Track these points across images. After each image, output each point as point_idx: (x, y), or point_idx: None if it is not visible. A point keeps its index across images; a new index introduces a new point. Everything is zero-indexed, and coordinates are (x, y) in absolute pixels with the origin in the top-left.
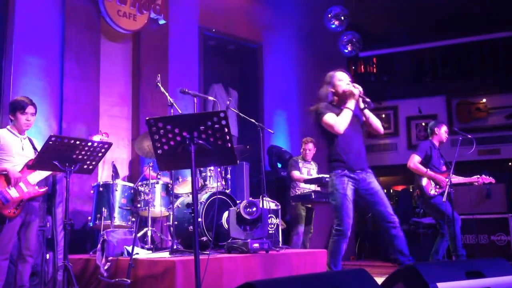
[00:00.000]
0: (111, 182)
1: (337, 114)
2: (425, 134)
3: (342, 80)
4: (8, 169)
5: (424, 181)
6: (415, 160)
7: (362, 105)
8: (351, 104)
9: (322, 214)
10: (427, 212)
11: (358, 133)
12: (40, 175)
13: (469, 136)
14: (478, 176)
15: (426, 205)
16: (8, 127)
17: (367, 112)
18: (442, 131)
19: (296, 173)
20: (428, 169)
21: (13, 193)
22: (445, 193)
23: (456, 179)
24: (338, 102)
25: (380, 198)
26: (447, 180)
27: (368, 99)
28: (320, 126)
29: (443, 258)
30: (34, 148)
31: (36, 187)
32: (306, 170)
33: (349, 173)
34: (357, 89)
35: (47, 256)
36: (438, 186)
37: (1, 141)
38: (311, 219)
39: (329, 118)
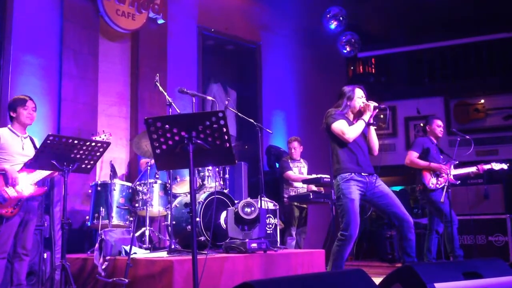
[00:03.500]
0: (109, 182)
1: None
2: (423, 134)
3: (361, 98)
4: (6, 169)
5: (427, 177)
6: (412, 157)
7: (371, 120)
8: (366, 117)
9: (319, 214)
10: (427, 207)
11: (364, 141)
12: (40, 174)
13: (467, 137)
14: (477, 166)
15: (427, 200)
16: (9, 126)
17: (372, 129)
18: (434, 126)
19: (291, 173)
20: (430, 162)
21: (11, 192)
22: (444, 193)
23: (457, 171)
24: (353, 116)
25: (391, 199)
26: (448, 171)
27: (383, 106)
28: (327, 130)
29: (437, 255)
30: (35, 148)
31: (36, 187)
32: (297, 169)
33: (355, 176)
34: (373, 104)
35: (45, 255)
36: (439, 179)
37: (1, 140)
38: (305, 219)
39: (341, 125)
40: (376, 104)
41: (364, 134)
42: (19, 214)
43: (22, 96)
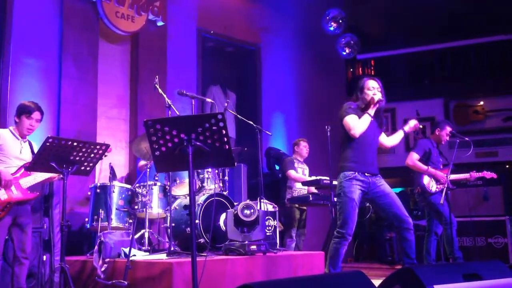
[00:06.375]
0: (109, 184)
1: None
2: (422, 136)
3: (371, 89)
4: (1, 170)
5: (426, 179)
6: (413, 158)
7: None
8: (371, 110)
9: (319, 216)
10: (426, 209)
11: (375, 140)
12: (34, 179)
13: (467, 138)
14: (470, 174)
15: (426, 202)
16: (11, 128)
17: (400, 134)
18: (443, 133)
19: (292, 172)
20: (429, 167)
21: (1, 194)
22: (443, 195)
23: (453, 176)
24: (364, 108)
25: (392, 200)
26: (447, 178)
27: (383, 100)
28: (341, 125)
29: (436, 257)
30: (33, 152)
31: (28, 192)
32: (301, 170)
33: (359, 176)
34: (377, 97)
35: (44, 257)
36: (438, 183)
37: (0, 141)
38: (305, 221)
39: (350, 119)
40: (380, 98)
41: (376, 131)
42: (7, 217)
43: (31, 104)
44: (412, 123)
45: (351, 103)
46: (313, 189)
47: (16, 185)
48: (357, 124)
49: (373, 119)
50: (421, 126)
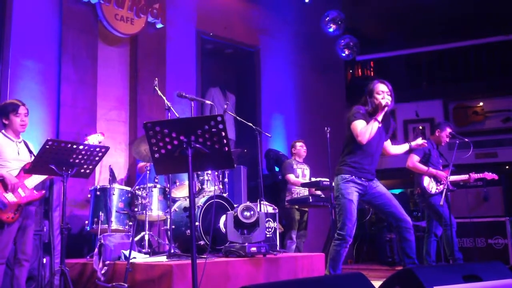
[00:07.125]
0: (108, 186)
1: (367, 124)
2: (423, 137)
3: (380, 93)
4: (4, 175)
5: (426, 180)
6: (414, 160)
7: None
8: (379, 116)
9: (319, 218)
10: (426, 211)
11: (378, 146)
12: (38, 178)
13: (466, 139)
14: (469, 175)
15: (426, 203)
16: (3, 131)
17: (405, 146)
18: (443, 134)
19: (291, 177)
20: (429, 168)
21: (10, 197)
22: (443, 196)
23: (453, 177)
24: (372, 112)
25: (388, 199)
26: (447, 178)
27: (391, 106)
28: (348, 128)
29: (437, 258)
30: (30, 152)
31: (34, 191)
32: (301, 171)
33: (356, 179)
34: (384, 101)
35: (44, 260)
36: (439, 184)
37: None
38: (306, 223)
39: (359, 124)
40: (389, 102)
41: (381, 138)
42: (18, 219)
43: (13, 101)
44: (420, 141)
45: (360, 107)
46: (314, 190)
47: (22, 186)
48: (364, 130)
49: (381, 124)
50: (421, 127)
